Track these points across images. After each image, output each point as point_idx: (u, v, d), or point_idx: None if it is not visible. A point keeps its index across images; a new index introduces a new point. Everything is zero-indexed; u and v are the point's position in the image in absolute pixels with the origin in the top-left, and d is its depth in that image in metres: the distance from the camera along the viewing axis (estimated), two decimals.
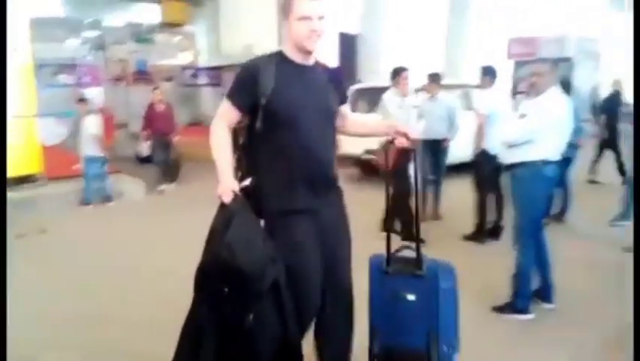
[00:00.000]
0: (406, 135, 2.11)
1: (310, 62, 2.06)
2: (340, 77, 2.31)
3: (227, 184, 1.90)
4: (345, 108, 2.29)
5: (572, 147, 4.47)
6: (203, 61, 16.30)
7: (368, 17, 10.17)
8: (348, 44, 10.03)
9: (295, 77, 2.01)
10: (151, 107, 7.70)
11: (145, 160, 8.36)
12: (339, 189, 2.18)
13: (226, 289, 1.73)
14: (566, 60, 9.08)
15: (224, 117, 2.06)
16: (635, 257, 2.39)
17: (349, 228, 2.16)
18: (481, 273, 3.78)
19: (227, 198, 1.85)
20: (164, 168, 7.77)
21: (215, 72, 16.41)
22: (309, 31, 1.93)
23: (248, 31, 14.96)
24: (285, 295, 1.83)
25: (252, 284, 1.72)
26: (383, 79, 9.36)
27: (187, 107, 13.47)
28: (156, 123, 7.59)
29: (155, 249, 4.86)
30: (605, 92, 16.69)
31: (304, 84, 2.01)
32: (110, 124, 8.52)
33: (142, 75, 14.49)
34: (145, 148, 7.76)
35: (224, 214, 1.80)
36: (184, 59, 16.54)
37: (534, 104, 3.25)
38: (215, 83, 16.59)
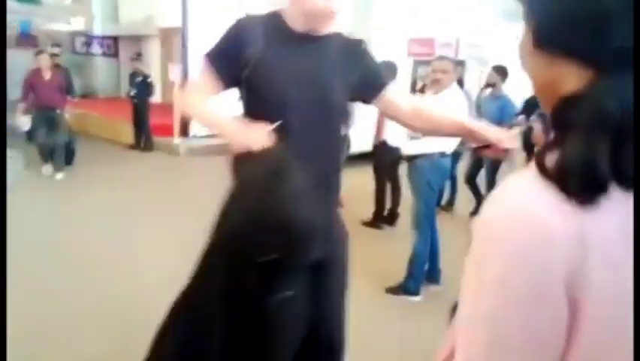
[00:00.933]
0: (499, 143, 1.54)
1: (320, 32, 1.54)
2: (362, 52, 1.67)
3: (243, 127, 1.38)
4: (394, 92, 1.71)
5: (461, 143, 4.83)
6: (98, 29, 15.13)
7: None
8: None
9: (291, 49, 1.52)
10: (36, 72, 6.57)
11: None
12: (341, 230, 1.65)
13: (274, 256, 1.27)
14: (461, 63, 9.74)
15: (197, 87, 1.61)
16: (635, 256, 2.64)
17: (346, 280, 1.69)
18: (377, 257, 3.98)
19: (260, 141, 1.31)
20: (46, 148, 6.64)
21: (111, 41, 15.33)
22: (325, 7, 1.45)
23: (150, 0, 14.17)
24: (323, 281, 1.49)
25: (305, 252, 1.33)
26: None
27: (78, 78, 12.40)
28: (41, 93, 6.48)
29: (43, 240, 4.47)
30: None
31: (301, 60, 1.51)
32: None
33: (25, 39, 13.12)
34: (24, 122, 6.58)
35: (265, 163, 1.31)
36: (76, 24, 15.21)
37: (437, 100, 3.47)
38: (111, 53, 15.49)
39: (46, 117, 6.53)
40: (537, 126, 4.65)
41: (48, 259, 3.78)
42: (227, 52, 1.54)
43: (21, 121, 6.55)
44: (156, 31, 13.58)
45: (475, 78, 16.56)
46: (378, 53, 1.58)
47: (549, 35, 0.65)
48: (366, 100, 1.69)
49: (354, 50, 1.63)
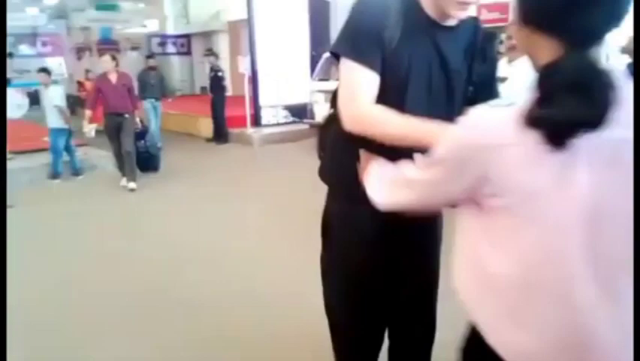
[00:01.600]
0: None
1: (452, 22, 1.35)
2: (492, 50, 1.54)
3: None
4: None
5: None
6: (171, 29, 15.83)
7: None
8: (320, 11, 9.84)
9: (426, 40, 1.34)
10: (103, 77, 6.04)
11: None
12: None
13: None
14: None
15: (361, 94, 1.32)
16: (635, 255, 2.47)
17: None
18: None
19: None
20: (122, 158, 6.03)
21: (184, 40, 15.99)
22: None
23: None
24: None
25: None
26: None
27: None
28: (109, 98, 5.93)
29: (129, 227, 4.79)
30: None
31: (435, 50, 1.35)
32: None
33: (107, 44, 14.00)
34: (91, 131, 6.11)
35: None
36: (151, 26, 16.01)
37: (515, 67, 3.28)
38: (184, 51, 16.17)
39: (116, 123, 5.96)
40: None
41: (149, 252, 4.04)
42: (372, 36, 1.30)
43: (88, 130, 6.09)
44: (224, 25, 13.99)
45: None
46: None
47: (530, 14, 0.84)
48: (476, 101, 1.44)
49: (484, 43, 1.46)
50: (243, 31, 9.47)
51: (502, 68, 3.52)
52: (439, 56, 1.35)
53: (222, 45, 14.31)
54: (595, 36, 0.79)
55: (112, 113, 5.97)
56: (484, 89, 1.45)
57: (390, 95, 1.32)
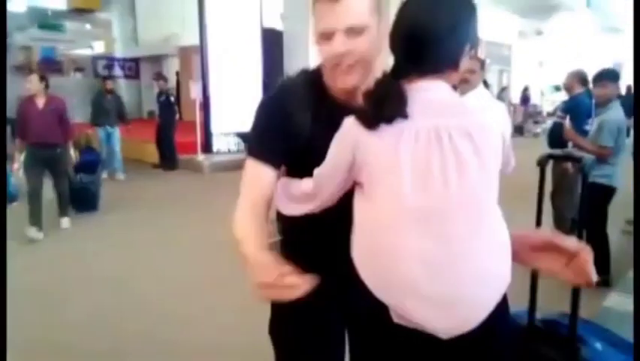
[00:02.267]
0: None
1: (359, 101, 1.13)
2: None
3: (273, 270, 1.08)
4: None
5: None
6: (119, 51, 15.46)
7: (294, 13, 10.12)
8: (272, 39, 9.91)
9: (336, 125, 1.13)
10: (29, 101, 4.99)
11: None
12: None
13: None
14: (482, 62, 9.63)
15: (248, 195, 1.27)
16: (634, 255, 2.55)
17: None
18: None
19: (291, 293, 1.08)
20: (37, 202, 4.85)
21: (132, 63, 15.63)
22: (330, 55, 1.15)
23: (168, 20, 14.39)
24: None
25: None
26: None
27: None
28: (33, 126, 4.88)
29: None
30: (515, 94, 17.87)
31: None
32: None
33: (50, 65, 13.46)
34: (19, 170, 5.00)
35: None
36: (98, 48, 15.58)
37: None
38: (132, 75, 15.80)
39: (42, 157, 4.94)
40: (566, 123, 4.52)
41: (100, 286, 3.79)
42: (275, 133, 1.24)
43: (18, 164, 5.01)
44: (175, 50, 13.81)
45: (496, 78, 16.25)
46: None
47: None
48: None
49: None
50: (194, 57, 9.37)
51: None
52: None
53: (172, 70, 14.11)
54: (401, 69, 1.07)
55: (36, 145, 4.88)
56: None
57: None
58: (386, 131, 1.02)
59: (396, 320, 1.07)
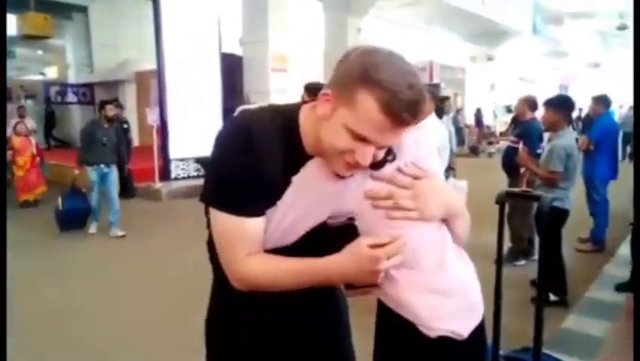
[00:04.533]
0: None
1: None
2: None
3: (360, 256, 1.05)
4: None
5: (448, 170, 4.81)
6: (72, 77, 15.08)
7: (253, 38, 10.16)
8: (232, 64, 9.90)
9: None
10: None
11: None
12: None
13: None
14: (435, 86, 9.92)
15: (239, 250, 1.13)
16: (633, 256, 2.58)
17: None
18: None
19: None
20: None
21: (86, 89, 15.27)
22: (351, 159, 1.06)
23: (123, 44, 14.18)
24: None
25: None
26: (270, 99, 9.46)
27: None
28: None
29: None
30: (469, 116, 18.47)
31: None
32: None
33: None
34: None
35: None
36: (50, 74, 15.16)
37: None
38: (86, 101, 15.42)
39: None
40: (520, 148, 4.68)
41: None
42: (250, 184, 1.10)
43: None
44: (132, 75, 13.59)
45: (450, 100, 16.74)
46: None
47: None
48: None
49: None
50: (151, 82, 9.23)
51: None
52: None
53: (129, 95, 13.85)
54: None
55: None
56: None
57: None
58: None
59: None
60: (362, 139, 1.03)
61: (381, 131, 1.01)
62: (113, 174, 6.22)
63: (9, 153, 7.81)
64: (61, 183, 9.15)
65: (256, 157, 1.09)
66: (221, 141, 1.12)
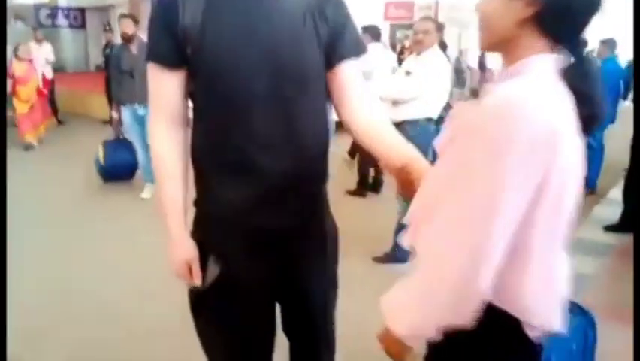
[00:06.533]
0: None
1: None
2: (336, 5, 1.23)
3: (178, 253, 1.22)
4: (353, 74, 1.27)
5: (447, 107, 4.73)
6: (64, 0, 14.46)
7: None
8: None
9: (240, 10, 1.13)
10: None
11: None
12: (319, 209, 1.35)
13: None
14: (440, 26, 9.61)
15: (159, 100, 1.20)
16: (634, 258, 2.62)
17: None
18: (363, 225, 3.90)
19: (184, 278, 1.24)
20: None
21: (77, 12, 14.70)
22: None
23: None
24: None
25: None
26: None
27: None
28: None
29: None
30: (472, 59, 18.07)
31: (256, 22, 1.13)
32: None
33: None
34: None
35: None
36: None
37: (419, 61, 3.33)
38: (78, 25, 14.89)
39: None
40: None
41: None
42: (164, 30, 1.14)
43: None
44: None
45: (455, 41, 16.35)
46: (355, 18, 1.30)
47: (548, 20, 0.84)
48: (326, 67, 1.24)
49: (323, 2, 1.20)
50: (144, 6, 8.86)
51: (409, 61, 3.58)
52: (268, 25, 1.13)
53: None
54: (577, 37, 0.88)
55: None
56: (338, 46, 1.22)
57: (224, 84, 1.14)
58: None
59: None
60: None
61: None
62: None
63: (8, 82, 6.58)
64: (73, 113, 9.03)
65: (164, 3, 1.15)
66: None
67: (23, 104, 6.53)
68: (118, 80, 4.57)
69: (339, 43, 1.22)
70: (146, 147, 4.18)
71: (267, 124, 1.15)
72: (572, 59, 0.87)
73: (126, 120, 4.58)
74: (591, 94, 0.85)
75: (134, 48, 4.51)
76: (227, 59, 1.12)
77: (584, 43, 0.90)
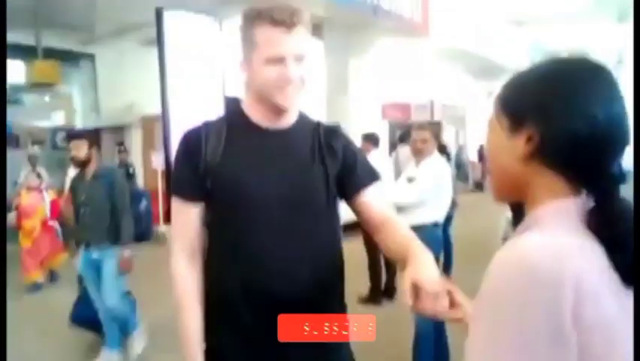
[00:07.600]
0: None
1: (285, 124, 1.34)
2: (339, 140, 1.41)
3: None
4: (377, 198, 1.41)
5: (453, 205, 4.80)
6: (79, 122, 15.28)
7: None
8: (235, 108, 10.03)
9: (255, 149, 1.30)
10: None
11: None
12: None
13: None
14: (437, 124, 10.02)
15: (181, 236, 1.33)
16: (635, 261, 2.54)
17: None
18: (380, 338, 3.77)
19: None
20: None
21: (94, 133, 15.40)
22: (281, 79, 1.23)
23: (128, 89, 14.41)
24: None
25: None
26: None
27: (59, 174, 12.40)
28: None
29: None
30: (471, 153, 18.50)
31: (269, 160, 1.29)
32: None
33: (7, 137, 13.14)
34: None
35: None
36: (57, 119, 15.40)
37: (421, 168, 3.45)
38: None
39: None
40: None
41: None
42: (189, 167, 1.30)
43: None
44: (137, 119, 13.77)
45: (452, 138, 16.90)
46: (355, 121, 1.51)
47: (554, 156, 0.74)
48: (344, 198, 1.41)
49: (330, 139, 1.37)
50: (156, 126, 9.36)
51: (410, 169, 3.71)
52: (281, 166, 1.30)
53: (135, 139, 14.00)
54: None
55: None
56: (350, 179, 1.39)
57: (238, 214, 1.29)
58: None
59: None
60: (272, 61, 1.23)
61: (269, 43, 1.23)
62: (109, 262, 3.49)
63: (12, 214, 5.82)
64: None
65: (191, 140, 1.33)
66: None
67: (27, 238, 5.86)
68: (75, 214, 3.64)
69: (353, 176, 1.39)
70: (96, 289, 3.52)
71: (280, 252, 1.26)
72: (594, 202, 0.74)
73: (78, 265, 3.63)
74: (620, 241, 0.71)
75: (88, 174, 3.60)
76: (243, 192, 1.27)
77: (613, 178, 0.74)
